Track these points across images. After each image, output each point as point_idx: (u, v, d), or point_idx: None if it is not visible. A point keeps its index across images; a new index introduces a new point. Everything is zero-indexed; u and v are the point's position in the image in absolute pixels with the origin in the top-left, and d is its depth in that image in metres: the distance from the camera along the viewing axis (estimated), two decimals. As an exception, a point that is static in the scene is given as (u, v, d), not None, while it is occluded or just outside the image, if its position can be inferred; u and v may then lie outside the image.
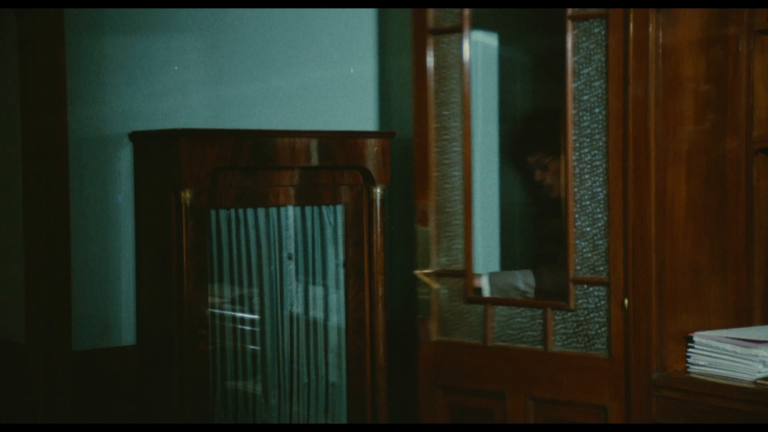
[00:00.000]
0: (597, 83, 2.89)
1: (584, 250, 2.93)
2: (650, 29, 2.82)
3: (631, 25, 2.81)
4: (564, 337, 2.97)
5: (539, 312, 3.02)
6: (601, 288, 2.89)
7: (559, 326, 2.98)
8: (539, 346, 3.01)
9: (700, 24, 2.89)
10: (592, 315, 2.92)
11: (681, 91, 2.88)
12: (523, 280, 3.48)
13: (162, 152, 3.35)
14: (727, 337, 2.78)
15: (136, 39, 3.49)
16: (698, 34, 2.89)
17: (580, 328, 2.94)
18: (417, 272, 3.18)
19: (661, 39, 2.83)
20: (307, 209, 3.63)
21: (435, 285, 3.15)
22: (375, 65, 4.02)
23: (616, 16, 2.82)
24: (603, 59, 2.86)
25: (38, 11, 3.23)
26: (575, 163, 2.92)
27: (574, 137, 2.92)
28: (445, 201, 3.18)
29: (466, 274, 3.13)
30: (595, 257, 2.91)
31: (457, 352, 3.14)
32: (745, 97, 2.94)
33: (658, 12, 2.82)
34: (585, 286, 2.93)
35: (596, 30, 2.88)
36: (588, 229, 2.92)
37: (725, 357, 2.76)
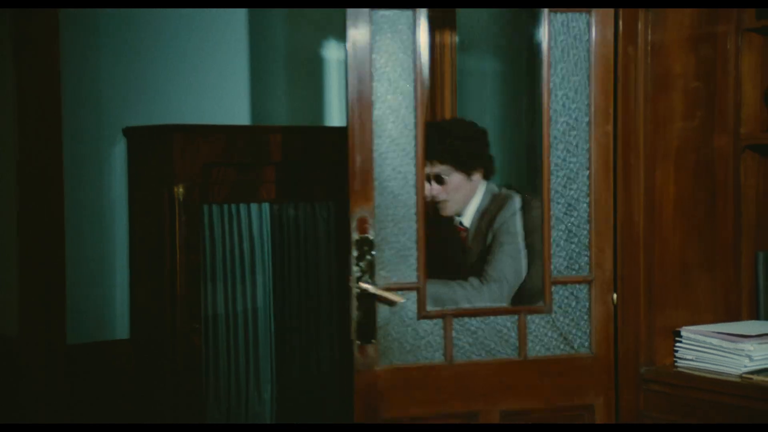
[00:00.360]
0: (575, 78, 2.84)
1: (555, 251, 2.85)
2: (639, 27, 2.84)
3: (621, 23, 2.82)
4: (540, 342, 2.85)
5: (513, 319, 2.83)
6: (581, 286, 2.85)
7: (533, 331, 2.85)
8: (514, 356, 2.82)
9: (689, 22, 2.91)
10: (569, 315, 2.85)
11: (670, 89, 2.90)
12: (465, 296, 3.07)
13: (155, 147, 3.38)
14: (714, 332, 2.80)
15: (130, 36, 3.53)
16: (687, 32, 2.91)
17: (557, 329, 2.85)
18: (364, 287, 2.68)
19: (650, 37, 2.85)
20: (300, 205, 3.65)
21: (398, 299, 2.74)
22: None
23: (605, 15, 2.82)
24: (583, 54, 2.83)
25: (33, 15, 3.26)
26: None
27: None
28: (388, 205, 2.75)
29: (419, 288, 2.74)
30: (563, 257, 2.85)
31: (412, 377, 2.75)
32: (734, 95, 2.95)
33: (647, 10, 2.84)
34: (561, 287, 2.85)
35: (573, 24, 2.83)
36: (562, 227, 2.86)
37: (712, 351, 2.78)
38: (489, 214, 3.21)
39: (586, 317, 2.86)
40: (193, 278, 3.34)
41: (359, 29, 2.66)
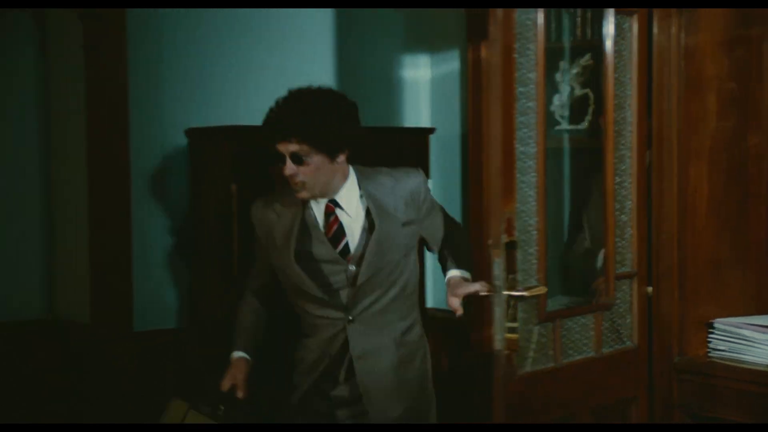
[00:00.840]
0: (624, 79, 2.89)
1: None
2: (672, 30, 2.90)
3: (655, 25, 2.88)
4: (606, 338, 2.86)
5: (590, 317, 2.82)
6: (626, 281, 2.92)
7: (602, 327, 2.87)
8: (592, 353, 2.82)
9: (723, 24, 2.94)
10: (619, 309, 2.90)
11: (704, 90, 2.94)
12: None
13: (214, 147, 3.45)
14: (746, 324, 2.87)
15: (193, 39, 3.58)
16: (721, 34, 2.94)
17: (612, 324, 2.89)
18: (518, 293, 2.51)
19: (683, 40, 2.90)
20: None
21: (541, 289, 2.59)
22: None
23: (640, 17, 2.87)
24: (628, 55, 2.88)
25: (102, 15, 3.34)
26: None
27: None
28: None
29: (541, 289, 2.63)
30: (618, 253, 2.90)
31: (533, 382, 2.64)
32: (768, 95, 3.00)
33: (680, 14, 2.88)
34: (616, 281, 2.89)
35: (625, 25, 2.88)
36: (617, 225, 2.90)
37: (744, 342, 2.85)
38: (399, 191, 2.81)
39: (630, 311, 2.92)
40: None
41: (496, 25, 2.49)
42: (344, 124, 2.72)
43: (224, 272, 3.44)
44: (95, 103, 3.40)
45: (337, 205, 2.80)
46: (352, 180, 2.81)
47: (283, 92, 3.60)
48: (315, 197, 2.77)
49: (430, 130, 3.89)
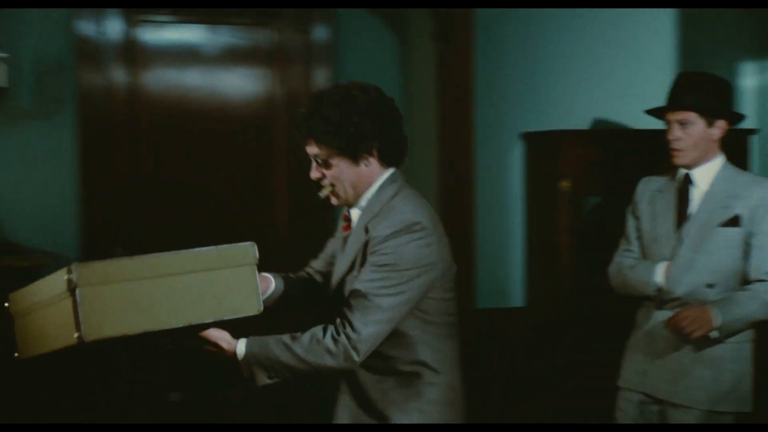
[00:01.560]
0: None
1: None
2: None
3: None
4: None
5: None
6: None
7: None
8: None
9: None
10: None
11: None
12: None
13: (546, 149, 3.69)
14: None
15: (533, 41, 3.78)
16: None
17: None
18: None
19: None
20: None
21: None
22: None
23: None
24: None
25: (451, 39, 3.60)
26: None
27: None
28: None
29: None
30: None
31: None
32: None
33: None
34: None
35: None
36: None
37: None
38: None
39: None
40: (575, 257, 3.57)
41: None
42: (363, 121, 2.28)
43: (553, 258, 3.66)
44: (445, 116, 3.68)
45: (350, 217, 2.40)
46: (372, 191, 2.35)
47: (621, 98, 3.73)
48: (347, 204, 2.39)
49: (751, 131, 3.88)
